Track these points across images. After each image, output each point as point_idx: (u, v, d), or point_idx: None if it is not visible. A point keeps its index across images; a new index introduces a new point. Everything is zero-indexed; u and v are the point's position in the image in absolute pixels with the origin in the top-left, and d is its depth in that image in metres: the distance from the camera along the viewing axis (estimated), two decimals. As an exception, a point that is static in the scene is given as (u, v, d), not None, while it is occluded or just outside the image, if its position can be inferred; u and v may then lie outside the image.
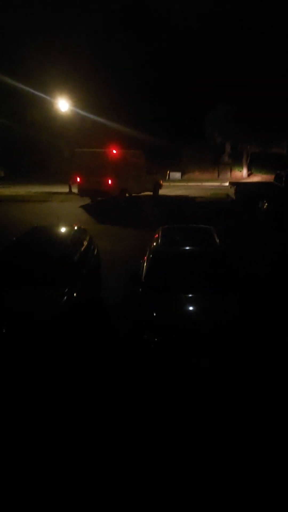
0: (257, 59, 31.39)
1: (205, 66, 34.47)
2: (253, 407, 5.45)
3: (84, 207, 22.21)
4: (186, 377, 5.80)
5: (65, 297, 6.64)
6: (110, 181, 21.67)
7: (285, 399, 5.62)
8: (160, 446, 4.78)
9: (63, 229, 9.43)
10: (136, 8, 35.23)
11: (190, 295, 6.60)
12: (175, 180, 36.61)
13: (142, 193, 25.02)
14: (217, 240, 8.00)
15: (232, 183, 23.32)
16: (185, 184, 34.47)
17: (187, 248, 7.73)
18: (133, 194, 24.16)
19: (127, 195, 23.30)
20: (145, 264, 7.52)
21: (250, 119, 32.93)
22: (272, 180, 22.11)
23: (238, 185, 22.16)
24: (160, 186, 27.07)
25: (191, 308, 6.46)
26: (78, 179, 22.53)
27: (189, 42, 33.72)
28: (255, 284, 8.95)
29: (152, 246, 7.93)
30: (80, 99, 30.26)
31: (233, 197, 21.61)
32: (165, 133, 35.87)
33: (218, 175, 39.35)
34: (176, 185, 32.85)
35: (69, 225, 10.00)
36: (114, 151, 22.32)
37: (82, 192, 22.84)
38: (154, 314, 6.22)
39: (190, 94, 35.46)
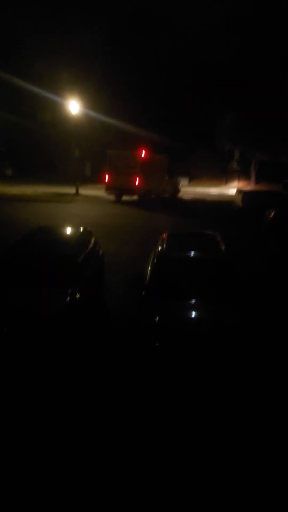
0: (268, 67, 31.39)
1: (215, 72, 34.51)
2: (253, 412, 5.41)
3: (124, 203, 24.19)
4: (186, 382, 5.77)
5: (68, 298, 6.62)
6: (137, 181, 23.48)
7: (286, 405, 5.57)
8: (157, 448, 4.74)
9: (68, 230, 9.43)
10: (148, 12, 35.38)
11: (192, 301, 6.57)
12: (183, 186, 36.64)
13: (162, 196, 26.32)
14: (222, 247, 7.96)
15: (239, 191, 23.31)
16: (193, 189, 34.48)
17: (191, 254, 7.70)
18: (153, 196, 25.27)
19: (152, 196, 24.92)
20: (148, 268, 7.50)
21: (260, 127, 32.92)
22: (279, 189, 22.09)
23: (245, 193, 22.15)
24: (178, 191, 28.39)
25: (193, 313, 6.44)
26: (107, 178, 24.49)
27: (199, 46, 33.76)
28: (259, 292, 8.90)
29: (157, 251, 7.91)
30: (89, 101, 30.42)
31: (240, 204, 21.60)
32: (174, 137, 35.96)
33: (226, 182, 39.31)
34: (184, 190, 32.91)
35: (74, 225, 9.99)
36: (143, 153, 24.05)
37: (109, 190, 24.63)
38: (156, 319, 6.20)
39: (200, 99, 35.54)
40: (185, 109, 36.29)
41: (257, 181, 38.01)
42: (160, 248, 7.93)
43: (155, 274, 7.09)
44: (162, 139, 35.12)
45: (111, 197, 24.94)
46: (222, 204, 25.30)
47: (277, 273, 11.28)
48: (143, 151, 24.20)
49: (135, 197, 24.46)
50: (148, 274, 7.27)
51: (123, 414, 5.38)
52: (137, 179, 23.56)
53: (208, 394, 5.67)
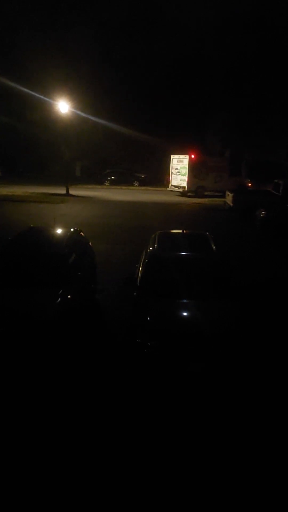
0: (261, 67, 31.59)
1: (207, 72, 34.61)
2: (251, 412, 5.39)
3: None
4: (180, 382, 5.74)
5: (59, 299, 6.56)
6: (187, 180, 29.09)
7: (285, 407, 5.56)
8: (154, 449, 4.71)
9: (58, 231, 9.35)
10: (139, 11, 35.37)
11: (184, 300, 6.56)
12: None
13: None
14: (213, 246, 7.97)
15: (229, 190, 23.36)
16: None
17: (183, 253, 7.69)
18: (206, 193, 29.41)
19: (205, 193, 29.49)
20: (140, 268, 7.47)
21: (251, 126, 33.11)
22: (269, 189, 22.18)
23: (235, 192, 22.20)
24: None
25: (185, 313, 6.42)
26: (170, 178, 30.90)
27: (192, 45, 33.86)
28: (250, 290, 8.89)
29: (148, 250, 7.88)
30: (80, 101, 30.34)
31: (231, 204, 21.66)
32: (165, 136, 35.99)
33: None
34: (174, 191, 33.00)
35: (65, 226, 9.91)
36: (192, 156, 29.03)
37: (170, 187, 30.88)
38: (148, 318, 6.17)
39: (191, 99, 35.63)
40: (177, 109, 36.35)
41: (248, 181, 38.10)
42: (151, 247, 7.90)
43: (147, 274, 7.06)
44: (153, 139, 35.17)
45: (176, 193, 30.50)
46: (214, 204, 25.43)
47: (270, 271, 11.33)
48: (192, 155, 28.99)
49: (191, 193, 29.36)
50: (140, 274, 7.24)
51: (118, 415, 5.34)
52: (187, 178, 28.86)
53: (202, 394, 5.65)
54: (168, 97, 36.64)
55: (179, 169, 29.75)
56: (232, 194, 21.83)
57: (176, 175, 30.17)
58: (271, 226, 16.69)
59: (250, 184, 27.23)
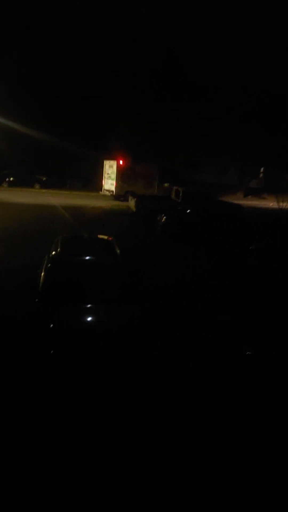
0: (161, 74, 32.76)
1: (111, 77, 34.85)
2: (164, 411, 5.47)
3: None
4: (86, 388, 5.64)
5: None
6: (116, 184, 30.64)
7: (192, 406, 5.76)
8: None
9: None
10: (39, 10, 34.37)
11: (88, 306, 6.49)
12: (76, 189, 36.47)
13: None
14: (117, 250, 8.04)
15: (133, 196, 23.86)
16: (87, 193, 34.41)
17: (87, 258, 7.62)
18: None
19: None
20: (42, 274, 7.22)
21: (151, 135, 34.27)
22: (170, 195, 23.15)
23: (138, 198, 22.74)
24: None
25: (88, 318, 6.35)
26: (103, 182, 32.55)
27: (91, 47, 33.78)
28: (152, 294, 9.14)
29: (50, 255, 7.66)
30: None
31: (133, 209, 22.12)
32: (73, 141, 35.50)
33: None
34: (79, 194, 32.86)
35: None
36: (121, 162, 30.53)
37: (103, 191, 32.33)
38: (51, 325, 5.97)
39: (94, 101, 35.62)
40: (82, 114, 36.03)
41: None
42: (54, 252, 7.70)
43: (49, 279, 6.85)
44: (59, 143, 34.62)
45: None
46: (118, 208, 25.75)
47: (170, 275, 11.77)
48: (121, 160, 30.56)
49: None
50: (42, 279, 7.00)
51: (25, 425, 5.07)
52: (116, 183, 30.56)
53: (111, 397, 5.62)
54: (75, 102, 36.08)
55: (110, 173, 31.54)
56: (135, 199, 22.31)
57: (108, 179, 31.98)
58: (171, 231, 17.38)
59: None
